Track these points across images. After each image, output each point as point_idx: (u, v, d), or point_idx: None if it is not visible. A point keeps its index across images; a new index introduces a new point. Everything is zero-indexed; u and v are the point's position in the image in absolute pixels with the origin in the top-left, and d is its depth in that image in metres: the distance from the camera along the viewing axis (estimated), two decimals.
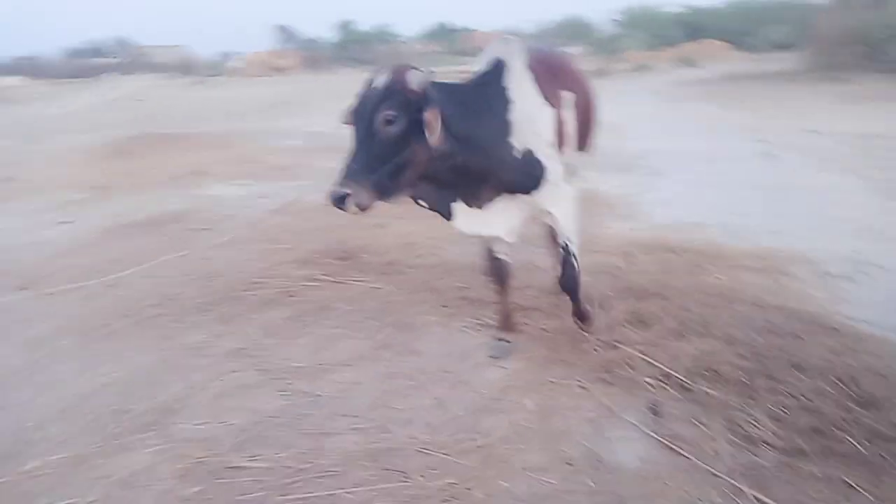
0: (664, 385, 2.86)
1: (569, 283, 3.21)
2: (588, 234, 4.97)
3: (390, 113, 2.36)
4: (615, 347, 3.16)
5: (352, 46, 42.82)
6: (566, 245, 3.12)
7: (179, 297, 4.12)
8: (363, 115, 2.40)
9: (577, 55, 4.66)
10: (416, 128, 2.39)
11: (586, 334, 3.33)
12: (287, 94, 20.71)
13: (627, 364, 3.01)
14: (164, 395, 3.02)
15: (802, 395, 2.70)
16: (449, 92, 2.61)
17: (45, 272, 4.72)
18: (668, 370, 2.93)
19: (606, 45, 32.51)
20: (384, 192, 2.44)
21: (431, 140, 2.39)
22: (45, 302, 4.22)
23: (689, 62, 26.01)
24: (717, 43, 31.85)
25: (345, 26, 47.11)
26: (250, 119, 14.67)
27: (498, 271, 3.25)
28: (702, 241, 4.82)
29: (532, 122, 2.79)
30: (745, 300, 3.67)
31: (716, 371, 2.89)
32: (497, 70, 2.79)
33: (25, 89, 29.17)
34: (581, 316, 3.37)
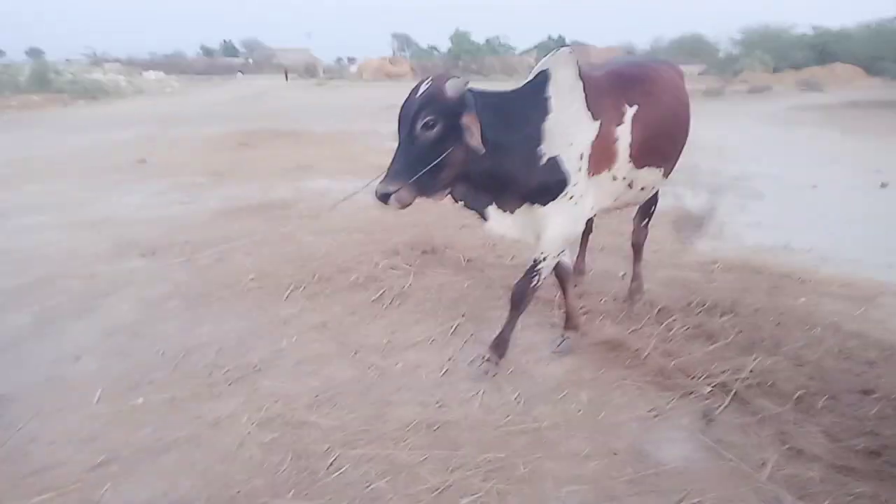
0: (721, 395, 2.89)
1: (518, 293, 3.11)
2: (670, 250, 5.02)
3: (429, 118, 2.57)
4: (677, 356, 3.20)
5: (464, 56, 43.53)
6: (538, 259, 3.04)
7: (276, 274, 4.49)
8: (406, 120, 2.62)
9: (684, 72, 4.52)
10: (453, 132, 2.58)
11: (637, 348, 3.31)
12: (396, 99, 21.43)
13: (685, 372, 3.04)
14: (253, 356, 3.36)
15: (865, 419, 2.66)
16: (485, 99, 2.76)
17: (164, 244, 5.27)
18: (726, 381, 2.95)
19: (724, 65, 31.32)
20: (424, 190, 2.65)
21: (472, 142, 2.58)
22: (161, 269, 4.73)
23: (813, 86, 24.58)
24: (848, 67, 29.89)
25: (458, 37, 47.96)
26: (359, 121, 15.36)
27: (559, 274, 3.35)
28: (787, 264, 4.72)
29: (567, 132, 2.85)
30: (822, 324, 3.59)
31: (776, 387, 2.90)
32: (542, 80, 2.90)
33: (164, 83, 31.78)
34: (500, 343, 3.22)
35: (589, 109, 2.90)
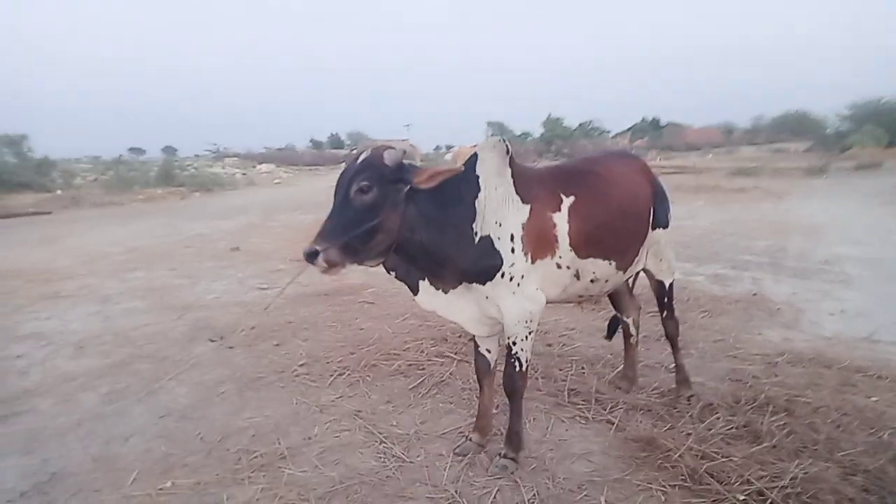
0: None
1: (508, 383, 3.09)
2: (734, 340, 4.75)
3: (365, 183, 2.60)
4: (712, 458, 2.98)
5: (556, 141, 44.07)
6: (510, 344, 2.99)
7: (326, 360, 4.64)
8: (342, 184, 2.66)
9: (647, 161, 4.23)
10: (387, 198, 2.62)
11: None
12: None
13: (717, 477, 2.82)
14: (284, 442, 3.45)
15: None
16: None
17: (233, 329, 5.58)
18: (763, 489, 2.71)
19: (832, 142, 29.85)
20: (354, 254, 2.62)
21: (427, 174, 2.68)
22: (225, 354, 4.99)
23: None
24: None
25: (550, 122, 48.70)
26: None
27: (478, 366, 3.31)
28: (866, 357, 4.32)
29: (496, 212, 2.86)
30: (891, 427, 3.24)
31: (818, 498, 2.62)
32: (473, 161, 2.96)
33: (274, 175, 34.28)
34: (512, 437, 3.16)
35: (518, 193, 2.93)
